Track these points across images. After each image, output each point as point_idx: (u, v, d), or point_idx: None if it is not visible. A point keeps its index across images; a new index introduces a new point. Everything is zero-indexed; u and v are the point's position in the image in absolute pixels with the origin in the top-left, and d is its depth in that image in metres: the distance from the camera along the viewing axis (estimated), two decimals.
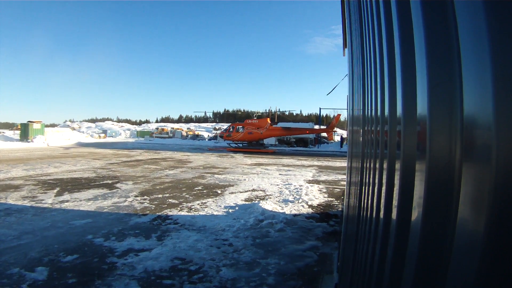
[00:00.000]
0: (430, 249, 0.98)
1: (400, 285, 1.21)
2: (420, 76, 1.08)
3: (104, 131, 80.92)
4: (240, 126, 41.42)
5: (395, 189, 1.39)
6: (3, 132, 61.54)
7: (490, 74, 0.67)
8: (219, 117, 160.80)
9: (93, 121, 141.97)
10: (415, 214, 1.09)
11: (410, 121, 1.18)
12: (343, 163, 25.92)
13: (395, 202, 1.36)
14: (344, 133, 62.08)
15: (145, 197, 11.09)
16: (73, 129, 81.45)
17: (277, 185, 14.25)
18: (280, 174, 18.04)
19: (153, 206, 9.80)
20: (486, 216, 0.68)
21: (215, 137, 64.97)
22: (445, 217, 0.90)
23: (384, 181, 1.64)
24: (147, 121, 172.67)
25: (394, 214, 1.36)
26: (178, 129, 79.99)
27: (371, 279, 1.82)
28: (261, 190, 12.91)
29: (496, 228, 0.67)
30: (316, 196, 11.91)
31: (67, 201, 10.14)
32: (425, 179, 0.98)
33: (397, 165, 1.34)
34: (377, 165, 1.97)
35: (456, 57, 0.87)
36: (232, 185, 13.91)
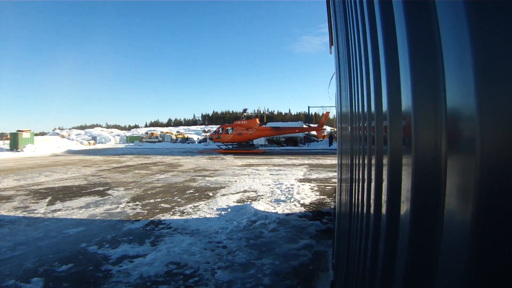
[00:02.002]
0: (419, 242, 0.99)
1: (393, 279, 1.22)
2: (403, 71, 1.09)
3: (94, 138, 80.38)
4: (229, 128, 41.36)
5: (383, 184, 1.40)
6: None
7: (471, 68, 0.68)
8: (208, 119, 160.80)
9: (82, 128, 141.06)
10: (404, 208, 1.10)
11: (396, 116, 1.19)
12: (333, 160, 26.01)
13: (384, 197, 1.37)
14: (331, 131, 62.22)
15: (137, 202, 11.04)
16: (63, 136, 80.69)
17: (269, 185, 14.26)
18: (271, 174, 18.05)
19: (146, 211, 9.77)
20: (472, 206, 0.69)
21: (204, 140, 64.88)
22: (432, 210, 0.92)
23: (372, 176, 1.66)
24: (136, 126, 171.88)
25: (383, 209, 1.37)
26: (167, 133, 79.69)
27: (365, 274, 1.83)
28: (252, 191, 12.92)
29: (483, 218, 0.68)
30: (308, 195, 11.94)
31: (59, 210, 10.06)
32: (412, 173, 0.99)
33: (385, 161, 1.35)
34: (366, 161, 1.98)
35: (438, 52, 0.88)
36: (224, 187, 13.89)
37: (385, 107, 1.32)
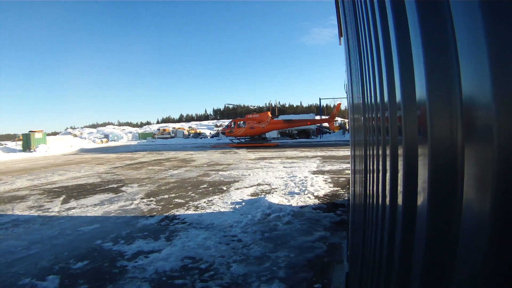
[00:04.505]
0: (437, 232, 0.98)
1: (410, 270, 1.21)
2: (417, 60, 1.07)
3: (106, 136, 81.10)
4: (241, 122, 41.47)
5: (399, 175, 1.39)
6: (5, 144, 61.49)
7: (486, 54, 0.67)
8: (219, 114, 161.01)
9: (94, 126, 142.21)
10: (421, 198, 1.09)
11: (410, 106, 1.18)
12: (346, 152, 25.90)
13: (400, 188, 1.36)
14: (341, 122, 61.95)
15: (151, 198, 11.12)
16: (75, 135, 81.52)
17: (282, 178, 14.25)
18: (284, 167, 18.03)
19: (160, 207, 9.84)
20: (491, 195, 0.68)
21: (217, 134, 65.14)
22: (450, 200, 0.90)
23: (388, 167, 1.64)
24: (148, 123, 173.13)
25: (400, 200, 1.36)
26: (179, 128, 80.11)
27: (381, 266, 1.82)
28: (266, 184, 12.93)
29: (502, 207, 0.67)
30: (321, 187, 11.91)
31: (74, 208, 10.17)
32: (428, 163, 0.98)
33: (400, 151, 1.34)
34: (380, 152, 1.97)
35: (452, 39, 0.86)
36: (237, 181, 13.93)
37: (398, 97, 1.31)
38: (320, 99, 62.12)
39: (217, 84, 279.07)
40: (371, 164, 2.59)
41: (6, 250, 6.64)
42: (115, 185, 14.08)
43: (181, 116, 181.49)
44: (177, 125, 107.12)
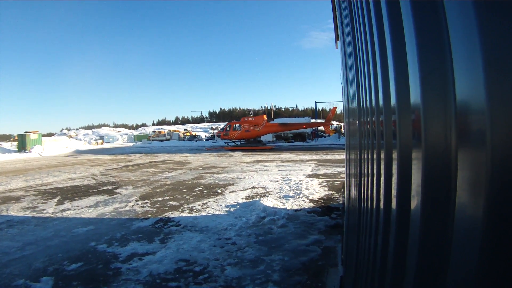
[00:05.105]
0: (430, 236, 0.98)
1: (404, 273, 1.22)
2: (412, 65, 1.08)
3: (102, 137, 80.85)
4: (237, 125, 41.48)
5: (393, 178, 1.39)
6: (0, 144, 61.24)
7: (480, 59, 0.67)
8: (215, 116, 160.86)
9: (89, 128, 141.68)
10: (414, 202, 1.09)
11: (404, 110, 1.19)
12: (341, 155, 25.93)
13: (394, 192, 1.36)
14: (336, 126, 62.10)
15: (146, 200, 11.08)
16: (70, 137, 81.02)
17: (277, 181, 14.25)
18: (279, 170, 18.04)
19: (155, 209, 9.81)
20: (484, 199, 0.68)
21: (212, 137, 65.01)
22: (443, 204, 0.91)
23: (382, 171, 1.65)
24: (143, 125, 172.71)
25: (393, 204, 1.36)
26: (175, 131, 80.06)
27: (375, 269, 1.82)
28: (261, 187, 12.91)
29: (495, 212, 0.67)
30: (316, 190, 11.91)
31: (68, 209, 10.12)
32: (422, 167, 0.98)
33: (394, 155, 1.34)
34: (375, 156, 1.97)
35: (446, 44, 0.87)
36: (232, 184, 13.91)
37: (393, 101, 1.31)
38: (316, 102, 62.45)
39: (213, 87, 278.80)
40: (365, 167, 2.60)
41: (0, 251, 6.60)
42: (110, 187, 14.03)
43: (177, 118, 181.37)
44: (172, 127, 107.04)
